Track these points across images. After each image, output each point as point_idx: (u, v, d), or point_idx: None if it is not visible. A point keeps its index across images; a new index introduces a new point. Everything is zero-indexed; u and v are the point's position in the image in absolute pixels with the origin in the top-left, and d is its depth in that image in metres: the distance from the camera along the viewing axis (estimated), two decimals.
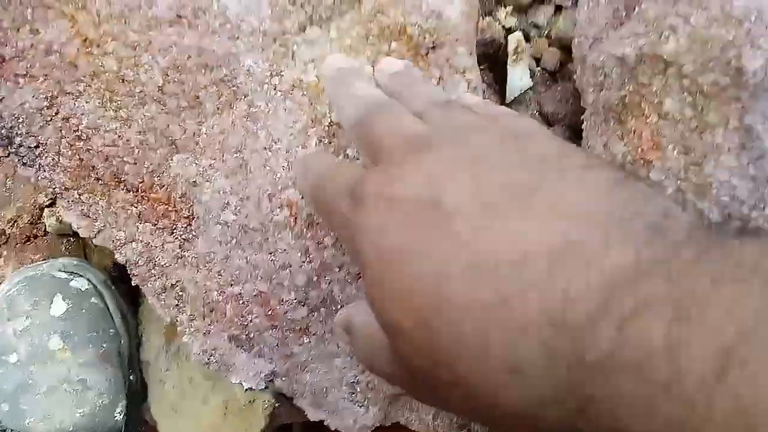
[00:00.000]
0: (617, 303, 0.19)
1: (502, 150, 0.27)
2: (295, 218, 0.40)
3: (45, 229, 0.55)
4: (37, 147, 0.41)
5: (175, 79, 0.40)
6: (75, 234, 0.57)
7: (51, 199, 0.56)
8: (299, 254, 0.41)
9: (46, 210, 0.55)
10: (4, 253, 0.55)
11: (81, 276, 0.50)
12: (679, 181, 0.41)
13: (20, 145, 0.41)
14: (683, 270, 0.19)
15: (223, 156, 0.41)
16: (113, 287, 0.52)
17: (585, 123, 0.47)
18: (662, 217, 0.22)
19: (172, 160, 0.41)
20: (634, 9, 0.48)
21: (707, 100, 0.40)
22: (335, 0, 0.39)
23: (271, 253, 0.41)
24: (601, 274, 0.20)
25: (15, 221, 0.56)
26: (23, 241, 0.55)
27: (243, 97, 0.41)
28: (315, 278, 0.41)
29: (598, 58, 0.47)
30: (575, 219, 0.22)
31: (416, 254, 0.24)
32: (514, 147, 0.27)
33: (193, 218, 0.42)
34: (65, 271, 0.49)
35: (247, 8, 0.39)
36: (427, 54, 0.39)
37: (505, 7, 0.56)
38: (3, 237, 0.56)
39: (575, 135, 0.55)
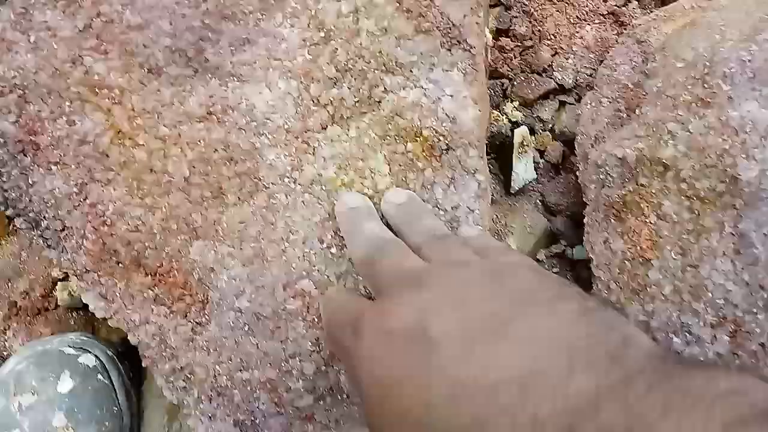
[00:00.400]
0: (580, 428, 0.21)
1: (485, 285, 0.30)
2: (308, 308, 0.41)
3: (56, 302, 0.56)
4: (62, 230, 0.43)
5: (201, 171, 0.42)
6: (85, 307, 0.58)
7: (64, 273, 0.58)
8: (309, 343, 0.41)
9: (59, 284, 0.56)
10: (14, 325, 0.56)
11: (89, 352, 0.50)
12: (675, 282, 0.42)
13: (46, 228, 0.43)
14: (637, 398, 0.21)
15: (241, 245, 0.42)
16: (120, 364, 0.52)
17: (586, 218, 0.50)
18: (622, 345, 0.25)
19: (191, 246, 0.43)
20: (635, 111, 0.51)
21: (704, 204, 0.42)
22: (356, 101, 0.42)
23: (282, 341, 0.42)
24: (565, 399, 0.22)
25: (27, 293, 0.57)
26: (34, 314, 0.56)
27: (264, 189, 0.43)
28: (323, 367, 0.42)
29: (599, 157, 0.50)
30: (544, 347, 0.25)
31: (406, 382, 0.27)
32: (497, 282, 0.30)
33: (208, 303, 0.43)
34: (74, 347, 0.50)
35: (273, 107, 0.42)
36: (440, 155, 0.42)
37: (512, 101, 0.60)
38: (14, 309, 0.57)
39: (576, 225, 0.57)
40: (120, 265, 0.43)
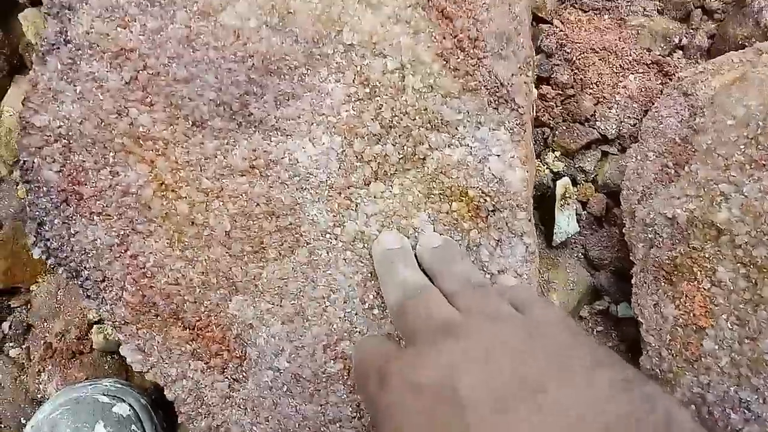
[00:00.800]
0: None
1: (519, 343, 0.28)
2: (349, 371, 0.40)
3: (91, 345, 0.56)
4: (102, 281, 0.43)
5: (242, 225, 0.42)
6: (119, 349, 0.57)
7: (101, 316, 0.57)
8: (350, 409, 0.40)
9: (95, 327, 0.56)
10: (49, 367, 0.56)
11: (123, 400, 0.50)
12: (732, 354, 0.40)
13: (87, 279, 0.43)
14: None
15: (281, 302, 0.42)
16: (153, 413, 0.51)
17: (634, 278, 0.48)
18: (664, 426, 0.23)
19: (230, 301, 0.42)
20: (684, 168, 0.50)
21: (761, 273, 0.40)
22: (400, 158, 0.41)
23: (321, 405, 0.41)
24: None
25: (63, 335, 0.57)
26: (69, 357, 0.55)
27: (305, 244, 0.42)
28: None
29: (647, 215, 0.48)
30: (580, 425, 0.23)
31: None
32: (531, 341, 0.28)
33: (245, 359, 0.42)
34: (108, 395, 0.49)
35: (316, 162, 0.42)
36: (487, 216, 0.41)
37: (554, 151, 0.59)
38: (50, 350, 0.56)
39: (620, 279, 0.56)
40: (158, 318, 0.43)
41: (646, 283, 0.46)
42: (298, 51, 0.41)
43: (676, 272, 0.44)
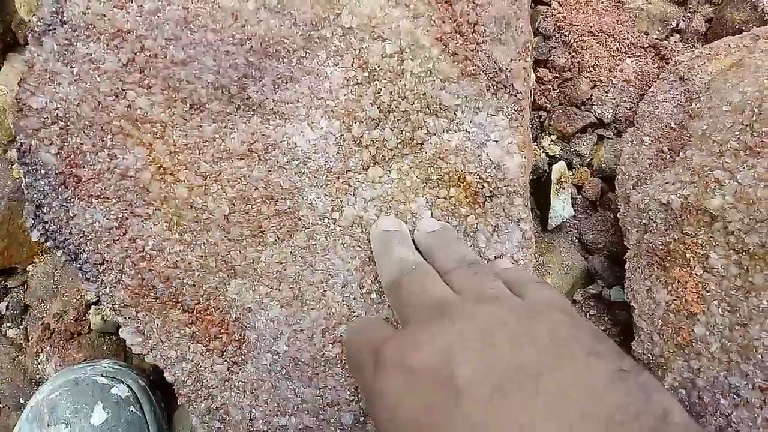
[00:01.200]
0: None
1: (516, 328, 0.28)
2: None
3: (89, 326, 0.56)
4: (101, 264, 0.43)
5: (241, 209, 0.42)
6: (118, 330, 0.58)
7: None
8: (348, 393, 0.41)
9: (92, 308, 0.56)
10: (47, 348, 0.56)
11: (122, 382, 0.50)
12: (723, 340, 0.41)
13: (85, 262, 0.43)
14: None
15: (279, 285, 0.42)
16: (152, 394, 0.52)
17: (628, 263, 0.48)
18: (660, 421, 0.23)
19: (229, 284, 0.43)
20: (679, 153, 0.50)
21: (753, 260, 0.41)
22: (398, 143, 0.42)
23: (320, 389, 0.41)
24: None
25: (60, 316, 0.57)
26: (67, 338, 0.56)
27: (303, 229, 0.42)
28: (362, 418, 0.41)
29: (642, 200, 0.48)
30: (578, 413, 0.23)
31: (426, 430, 0.25)
32: (528, 326, 0.28)
33: (244, 342, 0.43)
34: (107, 376, 0.50)
35: (315, 146, 0.42)
36: (484, 202, 0.41)
37: (550, 135, 0.59)
38: (47, 331, 0.57)
39: (613, 264, 0.56)
40: (158, 301, 0.43)
41: (639, 268, 0.47)
42: (297, 34, 0.40)
43: (669, 258, 0.45)
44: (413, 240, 0.40)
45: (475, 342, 0.27)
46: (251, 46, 0.40)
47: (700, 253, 0.43)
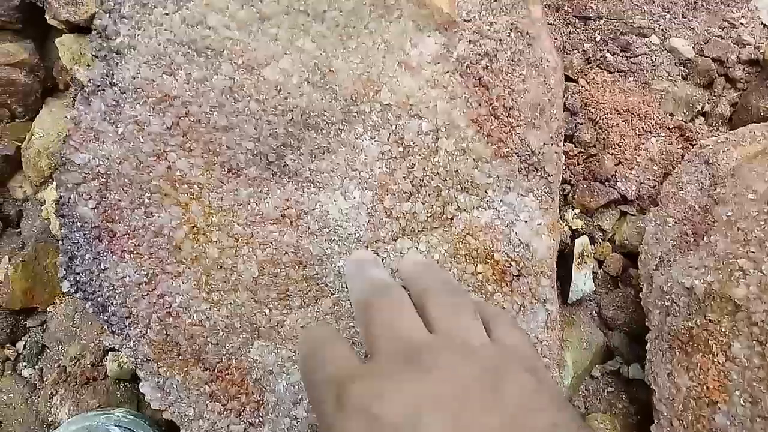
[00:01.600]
0: None
1: (485, 390, 0.28)
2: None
3: (105, 372, 0.56)
4: (128, 318, 0.43)
5: (270, 272, 0.43)
6: (133, 378, 0.58)
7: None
8: None
9: (109, 354, 0.56)
10: (62, 391, 0.56)
11: None
12: (744, 430, 0.41)
13: (113, 315, 0.44)
14: None
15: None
16: None
17: (649, 344, 0.48)
18: None
19: (252, 345, 0.43)
20: (703, 238, 0.50)
21: None
22: (428, 216, 0.42)
23: None
24: None
25: (77, 360, 0.57)
26: (83, 382, 0.56)
27: (330, 295, 0.43)
28: None
29: (665, 282, 0.49)
30: None
31: None
32: (497, 387, 0.28)
33: (263, 404, 0.43)
34: (120, 426, 0.50)
35: (346, 215, 0.43)
36: (511, 281, 0.41)
37: (573, 209, 0.59)
38: (63, 374, 0.57)
39: (633, 341, 0.56)
40: (180, 357, 0.43)
41: (660, 350, 0.47)
42: (337, 108, 0.42)
43: (691, 343, 0.45)
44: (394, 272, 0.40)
45: (444, 404, 0.27)
46: (292, 117, 0.42)
47: (723, 341, 0.43)
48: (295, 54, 0.41)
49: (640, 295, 0.51)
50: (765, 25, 0.62)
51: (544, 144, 0.42)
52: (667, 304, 0.48)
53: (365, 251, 0.41)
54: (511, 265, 0.41)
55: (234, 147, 0.42)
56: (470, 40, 0.42)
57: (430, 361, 0.29)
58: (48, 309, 0.62)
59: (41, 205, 0.65)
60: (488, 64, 0.42)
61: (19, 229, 0.66)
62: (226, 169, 0.43)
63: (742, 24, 0.62)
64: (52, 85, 0.67)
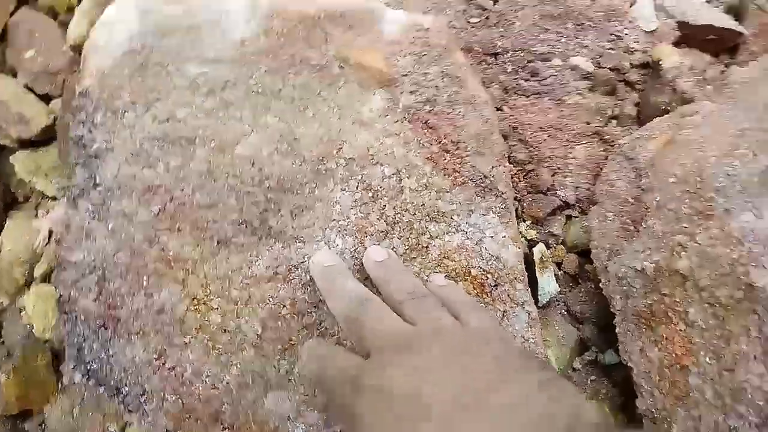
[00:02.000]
0: None
1: (465, 354, 0.36)
2: None
3: None
4: (143, 395, 0.46)
5: (272, 326, 0.46)
6: None
7: (122, 429, 0.59)
8: None
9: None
10: None
11: None
12: (715, 386, 0.46)
13: (127, 395, 0.46)
14: None
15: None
16: None
17: (618, 328, 0.54)
18: (575, 418, 0.31)
19: (266, 397, 0.46)
20: (641, 224, 0.57)
21: (727, 311, 0.47)
22: (407, 249, 0.47)
23: None
24: None
25: None
26: None
27: (330, 336, 0.46)
28: None
29: (619, 269, 0.55)
30: (514, 422, 0.30)
31: None
32: (474, 352, 0.36)
33: None
34: None
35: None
36: (491, 291, 0.46)
37: (525, 221, 0.66)
38: None
39: (602, 330, 0.62)
40: (199, 422, 0.46)
41: (629, 331, 0.52)
42: (307, 169, 0.47)
43: (653, 318, 0.51)
44: (364, 267, 0.46)
45: (436, 369, 0.34)
46: (269, 185, 0.46)
47: (680, 311, 0.49)
48: (261, 130, 0.46)
49: (600, 285, 0.57)
50: (645, 32, 0.71)
51: (493, 167, 0.47)
52: (624, 288, 0.54)
53: (328, 253, 0.46)
54: (487, 277, 0.46)
55: (220, 220, 0.46)
56: (411, 91, 0.49)
57: (418, 345, 0.36)
58: (44, 409, 0.62)
59: (20, 312, 0.66)
60: (431, 108, 0.48)
61: (2, 339, 0.66)
62: (215, 241, 0.46)
63: (626, 34, 0.72)
64: (12, 199, 0.69)
